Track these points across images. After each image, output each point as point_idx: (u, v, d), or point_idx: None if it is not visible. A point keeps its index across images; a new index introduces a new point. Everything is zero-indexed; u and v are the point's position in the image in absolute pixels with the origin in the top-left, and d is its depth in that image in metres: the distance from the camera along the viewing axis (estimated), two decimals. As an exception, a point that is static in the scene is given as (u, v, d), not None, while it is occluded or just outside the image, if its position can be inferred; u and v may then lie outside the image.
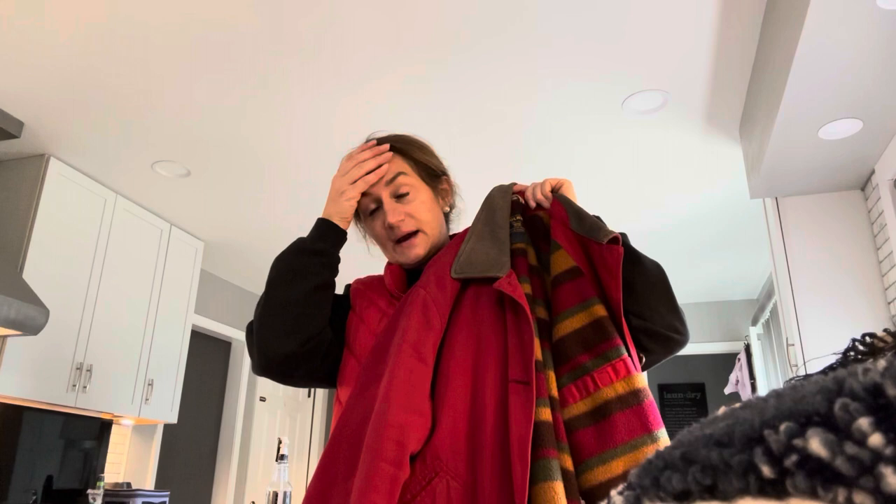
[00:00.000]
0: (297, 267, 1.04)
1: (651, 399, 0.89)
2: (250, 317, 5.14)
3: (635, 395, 0.88)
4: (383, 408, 0.85)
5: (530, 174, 3.22)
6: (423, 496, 0.82)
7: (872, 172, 2.64)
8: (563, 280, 0.98)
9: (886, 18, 1.76)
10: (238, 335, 4.99)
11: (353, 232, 1.17)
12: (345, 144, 3.02)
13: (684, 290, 5.20)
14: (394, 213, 1.07)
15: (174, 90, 2.63)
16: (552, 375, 0.91)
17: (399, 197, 1.09)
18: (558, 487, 0.80)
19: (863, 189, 2.79)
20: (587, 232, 0.97)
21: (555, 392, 0.90)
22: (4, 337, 2.79)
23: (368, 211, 1.12)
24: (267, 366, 1.03)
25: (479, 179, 3.20)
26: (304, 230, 3.99)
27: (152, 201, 3.61)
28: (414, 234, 1.08)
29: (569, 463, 0.85)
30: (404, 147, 1.15)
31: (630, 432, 0.85)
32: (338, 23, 2.26)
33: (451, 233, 1.19)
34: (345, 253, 1.10)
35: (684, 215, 3.80)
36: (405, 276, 1.13)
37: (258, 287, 5.13)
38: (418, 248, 1.08)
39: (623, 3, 2.16)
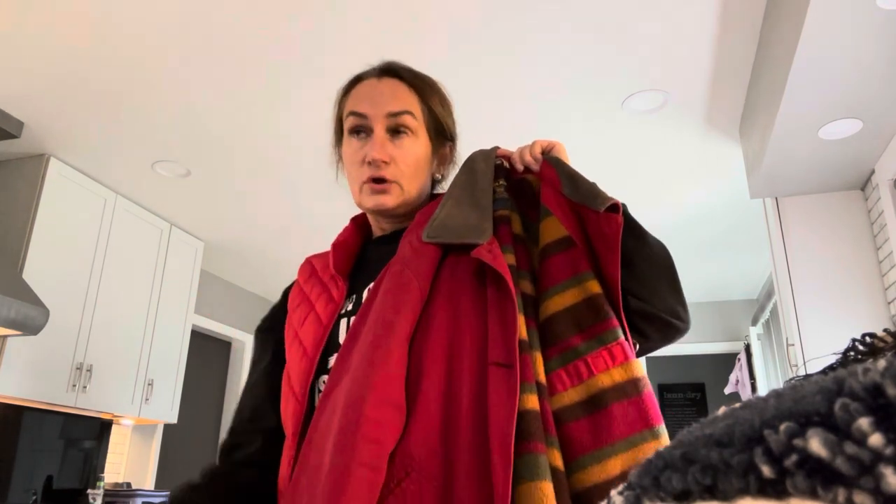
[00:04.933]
0: None
1: (651, 390, 0.78)
2: (250, 317, 5.15)
3: (634, 385, 0.77)
4: (356, 402, 0.73)
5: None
6: (391, 500, 0.71)
7: (872, 172, 2.64)
8: (554, 251, 0.85)
9: (886, 18, 1.76)
10: (238, 335, 4.99)
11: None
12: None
13: (684, 290, 5.19)
14: (380, 148, 0.92)
15: (174, 90, 2.63)
16: (539, 358, 0.79)
17: (394, 133, 0.94)
18: (547, 488, 0.68)
19: (863, 189, 2.79)
20: (582, 198, 0.85)
21: (542, 377, 0.78)
22: (4, 337, 2.79)
23: (353, 129, 0.95)
24: None
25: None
26: (304, 230, 4.00)
27: (152, 201, 3.61)
28: (390, 182, 0.93)
29: (558, 460, 0.73)
30: (424, 89, 1.00)
31: (629, 426, 0.74)
32: (339, 23, 2.26)
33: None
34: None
35: (684, 215, 3.80)
36: (354, 254, 1.01)
37: (258, 287, 5.14)
38: (388, 197, 0.93)
39: (623, 4, 2.16)
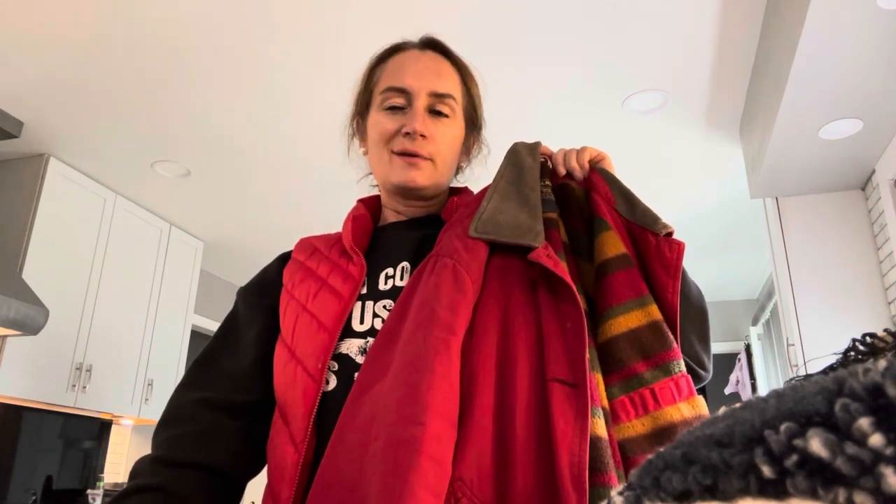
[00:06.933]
0: None
1: None
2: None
3: None
4: (413, 412, 0.64)
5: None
6: None
7: (873, 172, 2.64)
8: (617, 267, 0.79)
9: (886, 18, 1.76)
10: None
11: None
12: (345, 145, 3.02)
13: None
14: (423, 123, 0.86)
15: (174, 90, 2.63)
16: (601, 381, 0.73)
17: (434, 114, 0.89)
18: None
19: (863, 189, 2.79)
20: (640, 219, 0.81)
21: (606, 403, 0.72)
22: (4, 337, 2.79)
23: (387, 105, 0.89)
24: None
25: (479, 181, 3.20)
26: (304, 231, 3.99)
27: (152, 201, 3.61)
28: (425, 158, 0.88)
29: None
30: (466, 70, 0.95)
31: None
32: (339, 23, 2.26)
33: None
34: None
35: (684, 215, 3.80)
36: (370, 233, 0.93)
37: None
38: (421, 173, 0.87)
39: (623, 4, 2.16)
